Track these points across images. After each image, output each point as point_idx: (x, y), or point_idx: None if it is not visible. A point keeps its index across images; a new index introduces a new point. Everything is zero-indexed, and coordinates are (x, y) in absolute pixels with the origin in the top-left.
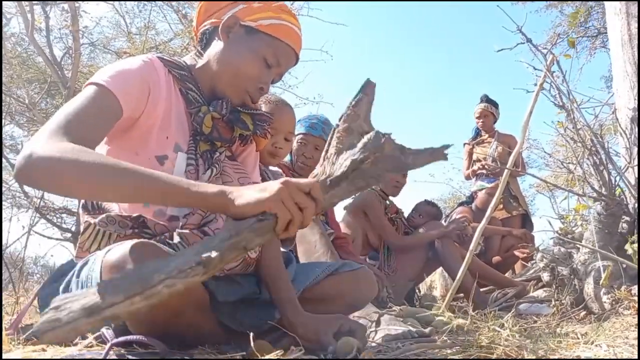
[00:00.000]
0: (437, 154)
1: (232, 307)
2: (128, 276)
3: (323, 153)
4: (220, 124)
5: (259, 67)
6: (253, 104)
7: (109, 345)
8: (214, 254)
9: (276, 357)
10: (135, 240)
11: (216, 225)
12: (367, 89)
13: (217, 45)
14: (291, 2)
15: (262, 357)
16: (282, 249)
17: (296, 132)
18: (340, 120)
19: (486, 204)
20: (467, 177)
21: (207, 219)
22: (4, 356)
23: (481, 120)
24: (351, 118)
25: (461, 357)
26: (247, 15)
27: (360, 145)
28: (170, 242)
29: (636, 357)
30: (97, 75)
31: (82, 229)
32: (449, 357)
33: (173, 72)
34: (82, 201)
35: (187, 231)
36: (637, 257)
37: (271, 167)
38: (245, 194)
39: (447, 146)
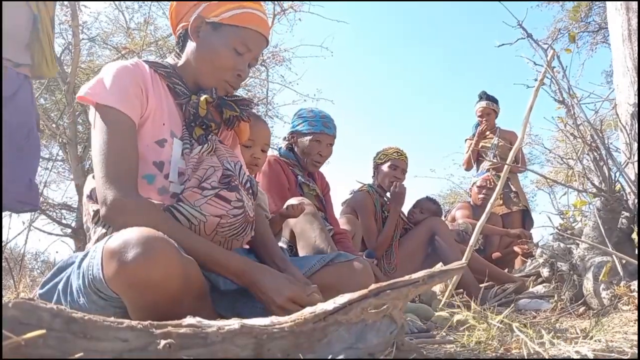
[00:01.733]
0: None
1: (231, 298)
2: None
3: (331, 309)
4: (211, 109)
5: (231, 57)
6: (233, 92)
7: None
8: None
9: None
10: (136, 230)
11: (211, 180)
12: (447, 275)
13: (191, 46)
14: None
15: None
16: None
17: (307, 130)
18: (386, 288)
19: (475, 197)
20: (467, 164)
21: (204, 183)
22: (4, 356)
23: (484, 119)
24: (397, 295)
25: (460, 353)
26: (210, 12)
27: (364, 345)
28: (178, 206)
29: (635, 352)
30: (101, 93)
31: (90, 219)
32: (448, 353)
33: (159, 71)
34: (87, 192)
35: (187, 193)
36: (636, 252)
37: None
38: (267, 280)
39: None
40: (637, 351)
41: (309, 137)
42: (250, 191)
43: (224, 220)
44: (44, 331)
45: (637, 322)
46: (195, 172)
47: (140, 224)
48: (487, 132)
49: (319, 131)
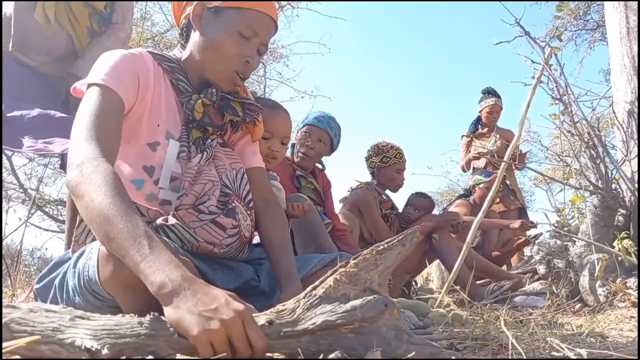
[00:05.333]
0: (439, 354)
1: None
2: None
3: (309, 288)
4: (211, 111)
5: (236, 42)
6: (244, 88)
7: None
8: (104, 351)
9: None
10: None
11: (210, 202)
12: (409, 242)
13: (194, 36)
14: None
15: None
16: None
17: (302, 124)
18: (355, 258)
19: (484, 198)
20: (463, 169)
21: (201, 200)
22: (4, 356)
23: (493, 115)
24: (366, 265)
25: (457, 350)
26: None
27: (347, 307)
28: (166, 224)
29: (631, 348)
30: (95, 74)
31: (77, 222)
32: (444, 349)
33: (163, 64)
34: None
35: (182, 211)
36: (631, 252)
37: None
38: (183, 310)
39: (457, 350)
40: (634, 348)
41: (300, 130)
42: (250, 205)
43: (217, 249)
44: (38, 337)
45: (633, 319)
46: (192, 187)
47: (90, 192)
48: (485, 130)
49: (310, 123)
